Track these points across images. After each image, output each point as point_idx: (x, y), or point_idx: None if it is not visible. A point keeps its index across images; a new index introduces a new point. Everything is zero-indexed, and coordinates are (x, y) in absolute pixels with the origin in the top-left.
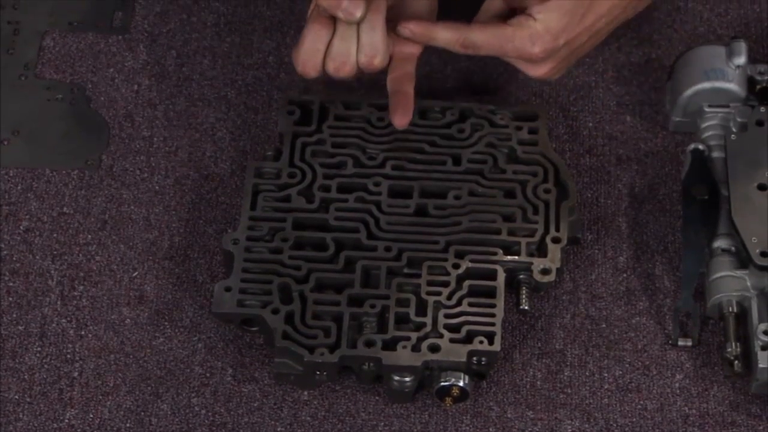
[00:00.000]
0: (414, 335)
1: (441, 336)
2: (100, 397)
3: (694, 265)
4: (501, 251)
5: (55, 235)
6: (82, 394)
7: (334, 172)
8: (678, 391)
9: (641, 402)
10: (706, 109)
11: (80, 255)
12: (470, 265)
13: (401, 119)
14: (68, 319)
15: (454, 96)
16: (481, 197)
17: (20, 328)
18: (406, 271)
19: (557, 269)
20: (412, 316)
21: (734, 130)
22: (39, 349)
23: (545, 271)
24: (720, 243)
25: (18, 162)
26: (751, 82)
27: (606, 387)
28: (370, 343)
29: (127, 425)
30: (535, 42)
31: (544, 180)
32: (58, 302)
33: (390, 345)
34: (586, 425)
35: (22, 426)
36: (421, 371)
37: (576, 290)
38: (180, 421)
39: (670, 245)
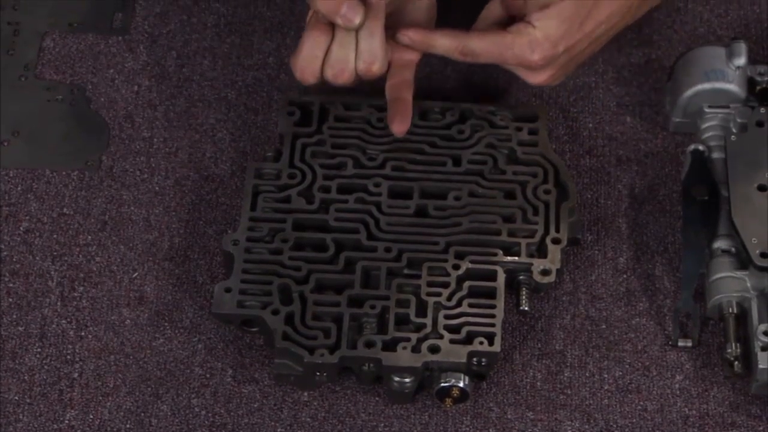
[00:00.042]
0: (414, 336)
1: (441, 337)
2: (100, 398)
3: (694, 265)
4: (501, 252)
5: (55, 235)
6: (82, 395)
7: (334, 173)
8: (678, 392)
9: (641, 403)
10: (706, 110)
11: (80, 256)
12: (470, 266)
13: (399, 126)
14: (68, 319)
15: (454, 97)
16: (481, 198)
17: (20, 328)
18: (406, 271)
19: (557, 270)
20: (412, 317)
21: (734, 130)
22: (39, 350)
23: (545, 272)
24: (720, 244)
25: (18, 163)
26: (751, 83)
27: (606, 388)
28: (370, 344)
29: (127, 426)
30: (534, 49)
31: (544, 181)
32: (58, 303)
33: (390, 346)
34: (586, 426)
35: (22, 427)
36: (421, 372)
37: (576, 291)
38: (180, 422)
39: (670, 246)
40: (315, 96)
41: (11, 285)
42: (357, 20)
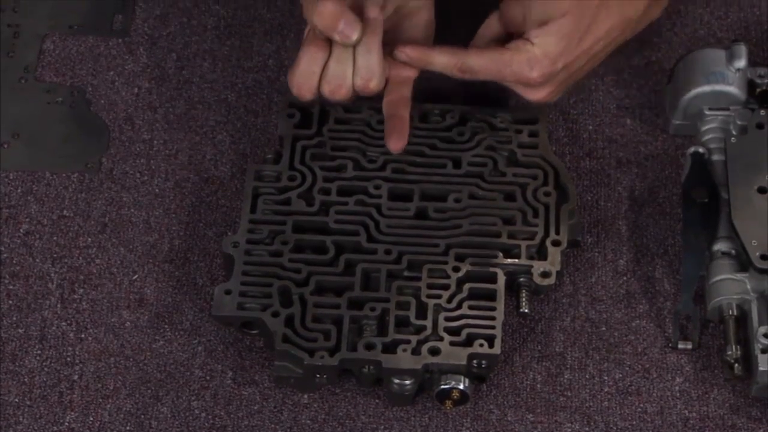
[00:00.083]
0: (414, 338)
1: (441, 339)
2: (100, 400)
3: (694, 268)
4: (501, 254)
5: (55, 238)
6: (82, 397)
7: (334, 175)
8: (678, 394)
9: (641, 405)
10: (706, 112)
11: (80, 258)
12: (470, 268)
13: (396, 143)
14: (68, 322)
15: (455, 99)
16: (481, 200)
17: (20, 331)
18: (406, 274)
19: (557, 272)
20: (413, 319)
21: (734, 133)
22: (39, 352)
23: (545, 274)
24: (720, 246)
25: (18, 165)
26: (751, 85)
27: (606, 390)
28: (370, 346)
29: (127, 428)
30: (533, 66)
31: (544, 183)
32: (58, 305)
33: (390, 348)
34: (586, 428)
35: (22, 429)
36: (421, 374)
37: (576, 293)
38: (180, 424)
39: (670, 248)
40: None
41: (11, 287)
42: (354, 36)
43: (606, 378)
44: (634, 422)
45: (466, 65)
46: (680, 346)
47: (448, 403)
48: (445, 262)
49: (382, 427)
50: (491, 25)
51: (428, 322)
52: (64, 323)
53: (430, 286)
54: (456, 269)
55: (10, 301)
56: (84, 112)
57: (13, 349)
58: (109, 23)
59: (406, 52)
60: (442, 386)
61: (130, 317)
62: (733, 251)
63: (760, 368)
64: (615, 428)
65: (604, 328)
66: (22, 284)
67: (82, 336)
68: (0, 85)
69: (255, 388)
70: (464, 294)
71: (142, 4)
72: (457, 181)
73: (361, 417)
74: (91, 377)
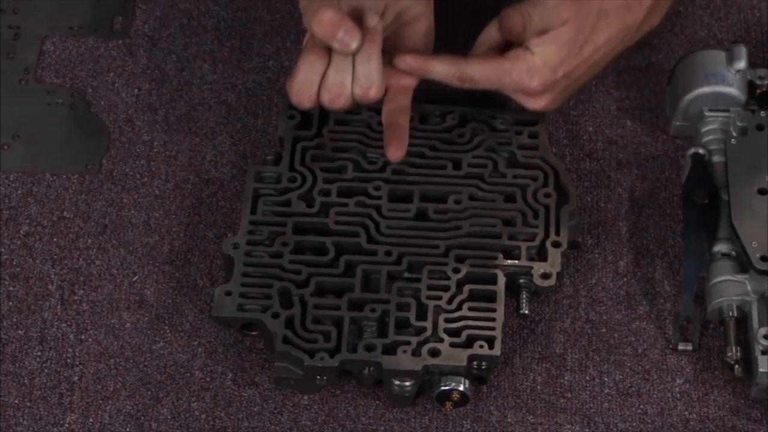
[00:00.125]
0: (414, 339)
1: (441, 340)
2: (100, 401)
3: (694, 269)
4: (501, 255)
5: (55, 239)
6: (82, 398)
7: (335, 177)
8: (678, 396)
9: (641, 406)
10: (707, 114)
11: (80, 259)
12: (470, 269)
13: (395, 152)
14: (68, 323)
15: (455, 100)
16: (481, 201)
17: (20, 332)
18: (406, 275)
19: (557, 273)
20: (413, 321)
21: (734, 134)
22: (39, 353)
23: (545, 276)
24: (720, 247)
25: (18, 166)
26: (751, 87)
27: (606, 391)
28: (370, 348)
29: (127, 430)
30: (533, 76)
31: (545, 184)
32: (58, 306)
33: (390, 349)
34: (587, 429)
35: (22, 430)
36: (422, 375)
37: (576, 294)
38: (180, 426)
39: (671, 249)
40: None
41: (11, 288)
42: (354, 44)
43: (606, 379)
44: (635, 424)
45: (465, 74)
46: (680, 347)
47: (448, 404)
48: (445, 264)
49: (382, 428)
50: (490, 34)
51: (428, 324)
52: (64, 324)
53: (430, 288)
54: (456, 270)
55: (10, 303)
56: (84, 113)
57: (13, 350)
58: (109, 25)
59: (406, 61)
60: (443, 388)
61: (130, 318)
62: (734, 253)
63: (761, 369)
64: (615, 429)
65: (604, 330)
66: (22, 285)
67: (82, 337)
68: (0, 87)
69: (255, 389)
70: (464, 295)
71: (142, 5)
72: (457, 183)
73: (361, 418)
74: (91, 378)
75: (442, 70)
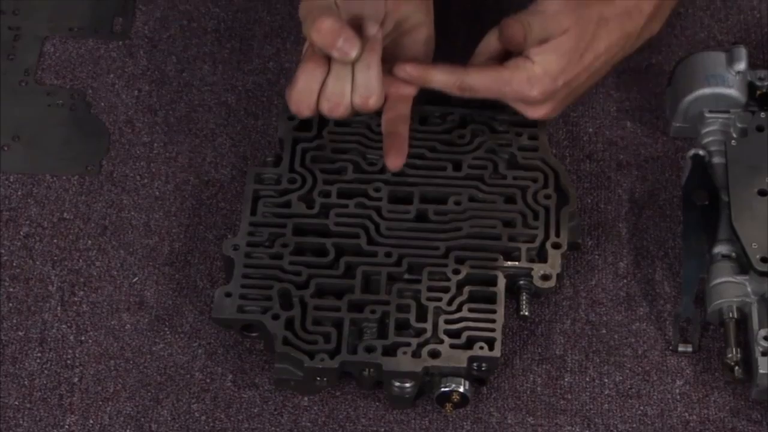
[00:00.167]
0: (414, 341)
1: (441, 342)
2: (100, 402)
3: (694, 270)
4: (501, 257)
5: (55, 240)
6: (82, 399)
7: (335, 178)
8: (678, 397)
9: (641, 408)
10: (707, 115)
11: (80, 260)
12: (470, 270)
13: (395, 161)
14: (68, 324)
15: (455, 101)
16: (481, 203)
17: (20, 333)
18: (406, 276)
19: (557, 275)
20: (413, 322)
21: (734, 135)
22: (39, 354)
23: (545, 277)
24: (720, 249)
25: (18, 168)
26: (751, 88)
27: (606, 393)
28: (370, 349)
29: (127, 431)
30: (533, 85)
31: (545, 185)
32: (58, 308)
33: (390, 351)
34: (587, 431)
35: None
36: (422, 377)
37: (576, 296)
38: (180, 427)
39: (671, 251)
40: None
41: (11, 290)
42: (353, 53)
43: (606, 381)
44: (635, 425)
45: (465, 83)
46: (680, 348)
47: (449, 405)
48: (446, 265)
49: (383, 429)
50: (490, 43)
51: (428, 325)
52: (64, 326)
53: (430, 289)
54: (456, 272)
55: (10, 304)
56: (84, 114)
57: (13, 351)
58: (110, 26)
59: (405, 70)
60: (443, 389)
61: (130, 320)
62: (734, 254)
63: (761, 371)
64: (615, 431)
65: (604, 331)
66: (22, 287)
67: (82, 339)
68: (0, 88)
69: (255, 390)
70: (464, 297)
71: (143, 6)
72: (457, 184)
73: (361, 420)
74: (91, 380)
75: (442, 79)
